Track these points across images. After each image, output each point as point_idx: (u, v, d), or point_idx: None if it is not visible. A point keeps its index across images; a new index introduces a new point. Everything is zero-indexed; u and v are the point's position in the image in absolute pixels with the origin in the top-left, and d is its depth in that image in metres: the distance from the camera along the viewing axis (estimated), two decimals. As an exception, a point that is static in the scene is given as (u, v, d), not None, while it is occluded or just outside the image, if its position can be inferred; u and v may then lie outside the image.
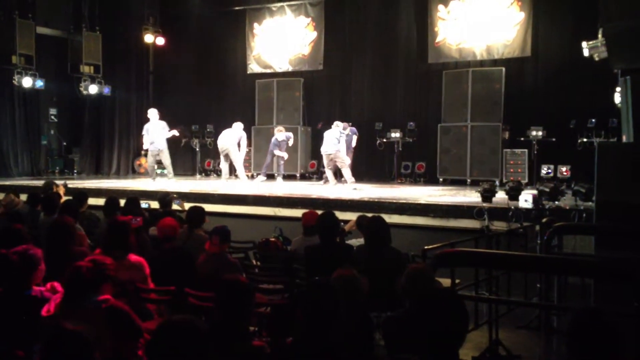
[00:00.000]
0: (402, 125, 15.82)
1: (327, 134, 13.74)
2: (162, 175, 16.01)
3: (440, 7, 15.79)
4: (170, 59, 19.66)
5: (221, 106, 18.63)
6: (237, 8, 18.54)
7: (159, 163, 15.51)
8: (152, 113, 14.95)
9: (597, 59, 9.48)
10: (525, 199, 9.54)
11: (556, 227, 6.73)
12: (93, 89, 17.73)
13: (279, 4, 18.03)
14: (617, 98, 10.56)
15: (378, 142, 15.84)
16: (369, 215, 6.70)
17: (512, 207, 9.17)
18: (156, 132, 14.67)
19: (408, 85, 16.46)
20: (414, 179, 15.68)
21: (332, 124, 13.96)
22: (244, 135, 14.72)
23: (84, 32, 17.78)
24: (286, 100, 17.21)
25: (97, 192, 11.89)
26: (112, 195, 8.36)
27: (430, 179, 15.43)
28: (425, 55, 16.11)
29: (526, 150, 14.26)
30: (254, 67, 18.48)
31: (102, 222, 7.41)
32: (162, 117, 14.77)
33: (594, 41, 9.62)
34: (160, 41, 19.20)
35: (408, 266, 4.40)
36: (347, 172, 13.58)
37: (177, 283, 5.10)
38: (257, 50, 18.39)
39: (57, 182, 10.27)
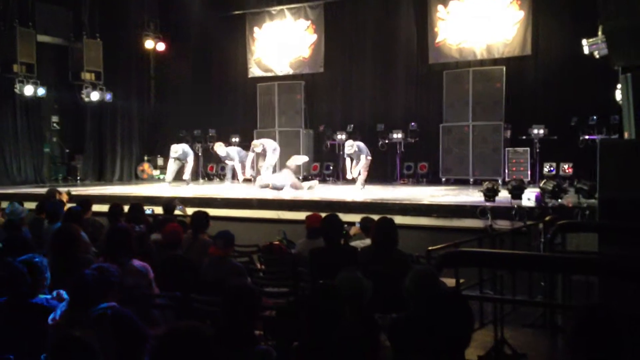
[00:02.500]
0: (404, 126, 15.84)
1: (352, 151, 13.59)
2: (159, 180, 16.13)
3: (440, 7, 15.80)
4: (171, 64, 19.70)
5: (223, 110, 18.66)
6: (236, 12, 18.57)
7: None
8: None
9: (597, 56, 9.49)
10: (528, 198, 9.55)
11: (559, 225, 6.73)
12: (94, 96, 17.73)
13: (278, 8, 18.05)
14: (618, 95, 10.54)
15: (380, 143, 15.84)
16: (374, 217, 6.71)
17: (515, 206, 9.18)
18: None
19: (409, 86, 16.48)
20: (417, 180, 15.69)
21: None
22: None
23: (85, 40, 17.77)
24: (287, 103, 17.23)
25: (101, 199, 11.90)
26: (116, 202, 8.37)
27: (432, 179, 15.46)
28: (425, 56, 16.12)
29: (528, 148, 14.27)
30: (254, 71, 18.50)
31: (106, 229, 7.42)
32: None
33: (594, 38, 9.61)
34: (161, 47, 19.24)
35: (413, 268, 4.41)
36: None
37: (182, 288, 5.11)
38: (258, 54, 18.42)
39: (61, 189, 10.29)
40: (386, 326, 4.31)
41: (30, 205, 8.77)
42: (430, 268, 4.47)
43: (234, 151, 15.15)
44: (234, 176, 15.59)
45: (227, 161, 15.47)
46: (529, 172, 14.19)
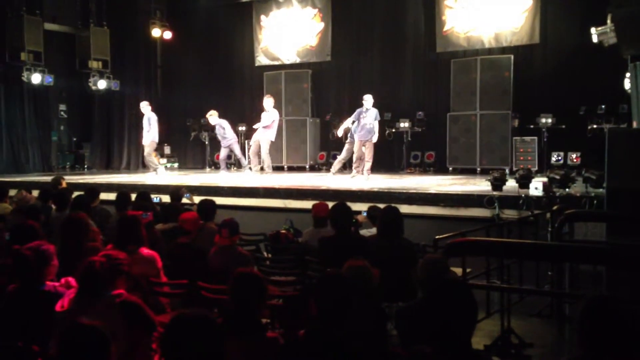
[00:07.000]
0: (411, 115, 15.77)
1: (365, 116, 13.21)
2: (166, 168, 16.21)
3: (448, -5, 15.74)
4: (177, 52, 19.69)
5: (229, 99, 18.63)
6: (243, 0, 18.53)
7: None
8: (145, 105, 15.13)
9: (606, 45, 9.43)
10: (536, 187, 9.51)
11: (567, 215, 6.72)
12: (102, 84, 17.75)
13: (285, -4, 18.02)
14: (627, 84, 10.49)
15: (387, 132, 15.78)
16: (381, 205, 6.70)
17: (523, 195, 9.15)
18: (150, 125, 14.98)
19: (416, 74, 16.41)
20: (424, 169, 15.66)
21: (364, 100, 13.33)
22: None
23: (92, 28, 17.78)
24: (294, 92, 17.20)
25: (108, 187, 11.92)
26: (123, 190, 8.39)
27: (439, 169, 15.41)
28: (433, 44, 16.04)
29: (536, 137, 14.21)
30: (261, 60, 18.47)
31: (113, 217, 7.45)
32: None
33: (603, 27, 9.54)
34: (168, 35, 19.19)
35: (424, 256, 4.41)
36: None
37: (189, 277, 5.13)
38: (265, 42, 18.38)
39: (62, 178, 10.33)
40: (393, 315, 4.33)
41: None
42: (441, 257, 4.46)
43: (230, 129, 15.01)
44: (234, 165, 15.56)
45: (220, 136, 15.29)
46: (536, 161, 14.13)
